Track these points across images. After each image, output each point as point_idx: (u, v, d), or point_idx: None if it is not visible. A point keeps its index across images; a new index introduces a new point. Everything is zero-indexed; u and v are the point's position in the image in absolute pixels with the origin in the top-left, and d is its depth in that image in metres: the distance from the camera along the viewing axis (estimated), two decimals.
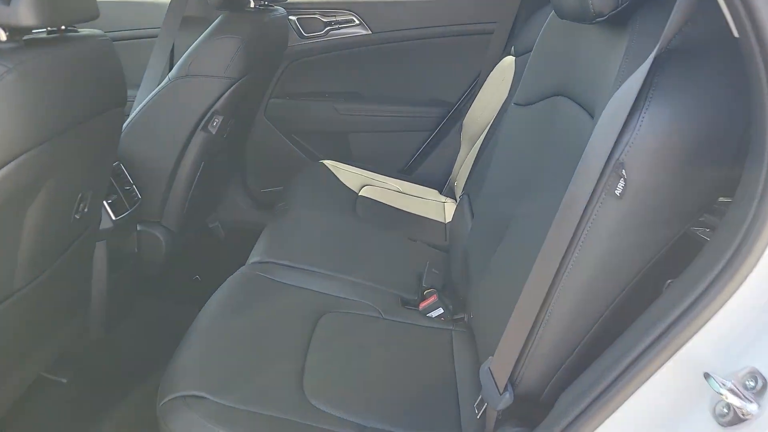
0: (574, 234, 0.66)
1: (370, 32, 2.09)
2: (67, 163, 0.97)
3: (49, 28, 0.91)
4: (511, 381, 0.79)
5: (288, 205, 1.67)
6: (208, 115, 1.55)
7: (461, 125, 2.10)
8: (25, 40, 0.86)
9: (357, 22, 2.09)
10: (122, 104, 1.11)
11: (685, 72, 0.64)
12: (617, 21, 0.77)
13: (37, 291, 1.06)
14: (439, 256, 1.57)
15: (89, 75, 0.95)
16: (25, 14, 0.81)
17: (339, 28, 2.10)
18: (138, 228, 1.61)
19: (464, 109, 2.14)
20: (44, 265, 1.08)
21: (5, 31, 0.83)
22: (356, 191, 1.87)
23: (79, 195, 1.10)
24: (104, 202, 1.38)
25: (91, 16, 0.94)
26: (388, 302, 1.30)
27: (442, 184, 2.15)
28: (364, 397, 1.02)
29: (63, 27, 0.95)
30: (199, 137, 1.57)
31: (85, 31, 1.00)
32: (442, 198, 2.02)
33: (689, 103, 0.62)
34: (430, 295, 1.32)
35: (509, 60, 1.88)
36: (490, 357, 0.86)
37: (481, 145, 1.76)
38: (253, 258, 1.37)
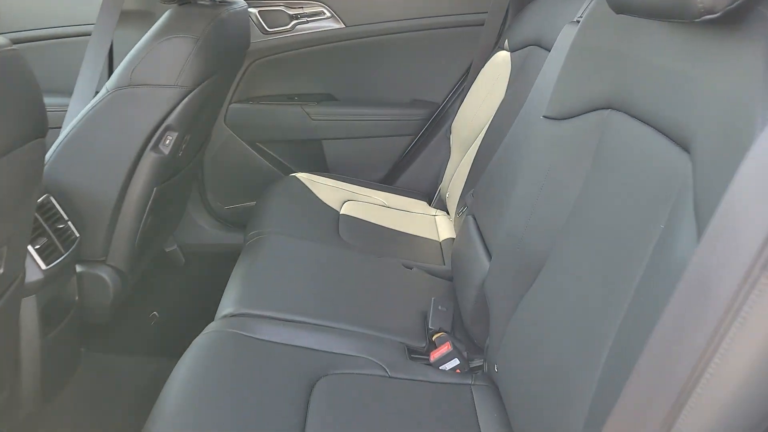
0: (718, 328, 0.45)
1: (343, 26, 1.84)
2: None
3: None
4: None
5: (260, 233, 1.42)
6: (159, 131, 1.28)
7: (449, 128, 1.89)
8: None
9: (328, 14, 1.84)
10: (42, 134, 0.84)
11: None
12: (727, 20, 0.56)
13: None
14: (442, 287, 1.35)
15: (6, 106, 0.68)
16: None
17: (307, 22, 1.85)
18: (78, 270, 1.33)
19: (451, 111, 1.92)
20: None
21: None
22: (337, 208, 1.63)
23: None
24: (31, 249, 1.10)
25: None
26: (393, 355, 1.07)
27: (429, 195, 1.93)
28: None
29: None
30: (149, 159, 1.29)
31: None
32: (432, 210, 1.81)
33: None
34: (442, 342, 1.11)
35: (503, 55, 1.67)
36: None
37: (479, 152, 1.55)
38: (225, 309, 1.12)
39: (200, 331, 1.09)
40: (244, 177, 2.00)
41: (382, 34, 1.86)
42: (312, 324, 1.10)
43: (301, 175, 1.78)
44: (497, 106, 1.56)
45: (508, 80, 1.58)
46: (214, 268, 2.02)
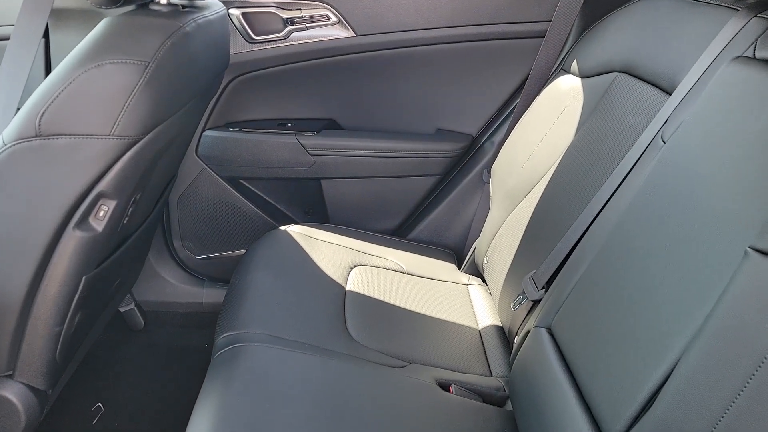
0: None
1: (353, 34, 1.41)
2: None
3: None
4: None
5: (236, 338, 1.00)
6: (88, 201, 0.86)
7: (488, 169, 1.48)
8: None
9: (334, 20, 1.40)
10: None
11: None
12: None
13: None
14: (496, 423, 0.96)
15: None
16: None
17: (306, 29, 1.41)
18: None
19: (489, 147, 1.51)
20: None
21: None
22: (343, 283, 1.23)
23: None
24: None
25: None
26: None
27: (457, 252, 1.53)
28: None
29: None
30: (72, 240, 0.87)
31: None
32: (464, 278, 1.40)
33: None
34: None
35: (570, 82, 1.26)
36: None
37: (538, 213, 1.15)
38: None
39: None
40: (222, 221, 1.58)
41: (403, 47, 1.44)
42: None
43: (294, 229, 1.37)
44: (563, 149, 1.16)
45: (579, 116, 1.17)
46: (182, 334, 1.61)
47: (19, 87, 1.07)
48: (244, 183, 1.56)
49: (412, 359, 1.08)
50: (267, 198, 1.58)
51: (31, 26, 1.08)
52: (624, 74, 1.09)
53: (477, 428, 0.95)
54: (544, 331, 0.93)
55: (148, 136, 0.86)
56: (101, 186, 0.86)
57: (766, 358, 0.48)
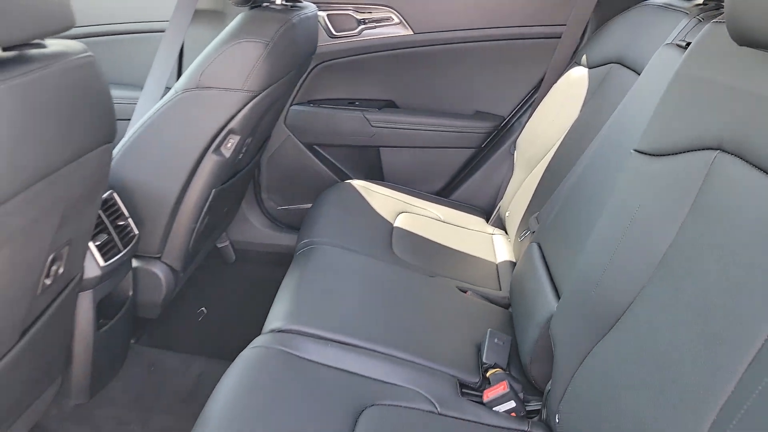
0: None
1: (411, 32, 1.79)
2: (28, 226, 0.69)
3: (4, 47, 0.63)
4: None
5: (312, 242, 1.39)
6: (222, 134, 1.27)
7: (514, 144, 1.81)
8: None
9: (396, 20, 1.79)
10: (110, 140, 0.83)
11: None
12: None
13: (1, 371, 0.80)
14: (498, 317, 1.29)
15: (64, 110, 0.67)
16: None
17: (375, 27, 1.81)
18: (134, 265, 1.34)
19: (517, 125, 1.85)
20: (8, 343, 0.82)
21: None
22: (391, 220, 1.59)
23: (50, 257, 0.83)
24: (92, 245, 1.11)
25: (64, 27, 0.65)
26: (444, 389, 1.02)
27: (487, 211, 1.86)
28: None
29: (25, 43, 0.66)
30: (210, 161, 1.29)
31: (57, 45, 0.71)
32: (489, 229, 1.74)
33: None
34: (497, 381, 1.05)
35: (579, 72, 1.58)
36: None
37: (546, 173, 1.47)
38: (273, 323, 1.09)
39: (246, 337, 1.07)
40: (300, 179, 1.98)
41: (450, 43, 1.80)
42: (360, 347, 1.06)
43: (357, 183, 1.75)
44: (570, 125, 1.48)
45: (584, 98, 1.49)
46: (263, 268, 2.02)
47: (169, 66, 1.52)
48: (319, 149, 1.96)
49: (440, 274, 1.43)
50: (336, 162, 1.98)
51: (180, 22, 1.53)
52: (617, 64, 1.41)
53: (483, 319, 1.28)
54: (535, 245, 1.26)
55: (264, 92, 1.26)
56: (231, 125, 1.27)
57: None
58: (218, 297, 1.86)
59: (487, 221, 1.80)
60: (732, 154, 0.69)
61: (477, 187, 1.89)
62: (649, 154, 0.82)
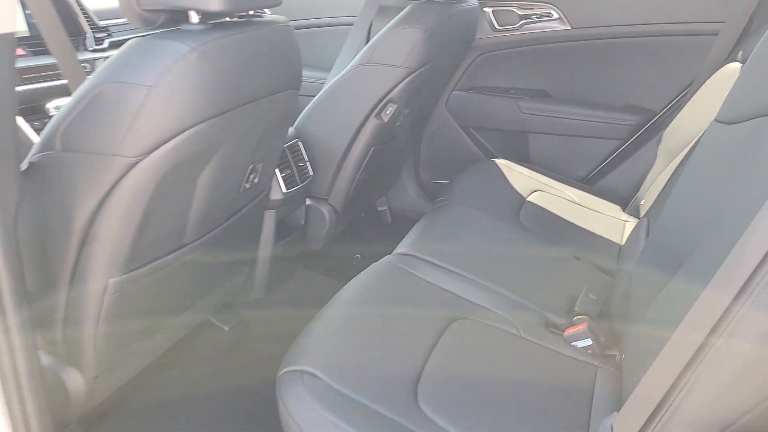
0: (745, 286, 0.52)
1: (569, 27, 1.93)
2: (239, 136, 1.05)
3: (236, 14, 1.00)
4: None
5: (448, 200, 1.64)
6: (383, 103, 1.58)
7: (661, 137, 1.84)
8: (212, 23, 0.95)
9: (556, 16, 1.94)
10: (296, 87, 1.17)
11: None
12: None
13: (205, 247, 1.19)
14: (602, 281, 1.40)
15: (266, 58, 1.02)
16: (216, 0, 0.88)
17: (535, 22, 1.98)
18: (306, 203, 1.72)
19: (667, 120, 1.87)
20: (213, 225, 1.20)
21: (198, 15, 0.92)
22: (524, 195, 1.76)
23: (250, 167, 1.20)
24: (278, 175, 1.50)
25: (275, 3, 1.00)
26: (530, 320, 1.19)
27: (626, 201, 1.91)
28: (479, 417, 0.95)
29: (251, 12, 1.03)
30: (372, 123, 1.61)
31: (269, 17, 1.08)
32: (624, 216, 1.80)
33: None
34: (580, 322, 1.18)
35: (733, 67, 1.58)
36: (615, 412, 0.73)
37: (680, 162, 1.52)
38: (400, 249, 1.37)
39: None
40: (453, 157, 2.23)
41: (606, 38, 1.90)
42: (464, 276, 1.28)
43: (501, 161, 1.94)
44: (712, 117, 1.50)
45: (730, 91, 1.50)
46: None
47: (354, 52, 1.87)
48: (473, 131, 2.19)
49: (558, 243, 1.55)
50: (486, 143, 2.19)
51: (366, 16, 1.89)
52: None
53: (586, 281, 1.39)
54: (645, 219, 1.34)
55: (419, 69, 1.54)
56: (391, 95, 1.57)
57: None
58: (373, 248, 2.20)
59: (624, 210, 1.86)
60: None
61: (620, 177, 1.95)
62: (724, 122, 0.91)
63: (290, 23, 1.13)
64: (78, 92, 0.86)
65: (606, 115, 1.95)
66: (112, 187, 0.89)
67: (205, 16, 0.93)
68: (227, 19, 1.01)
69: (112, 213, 0.91)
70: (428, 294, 1.22)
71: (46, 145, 0.89)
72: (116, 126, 0.84)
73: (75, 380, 1.07)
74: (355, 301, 1.16)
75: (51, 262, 0.94)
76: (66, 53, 1.22)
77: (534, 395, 1.02)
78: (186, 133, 0.90)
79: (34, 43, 1.48)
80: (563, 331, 1.19)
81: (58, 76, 1.44)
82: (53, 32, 1.19)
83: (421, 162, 2.29)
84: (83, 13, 1.66)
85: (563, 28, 1.94)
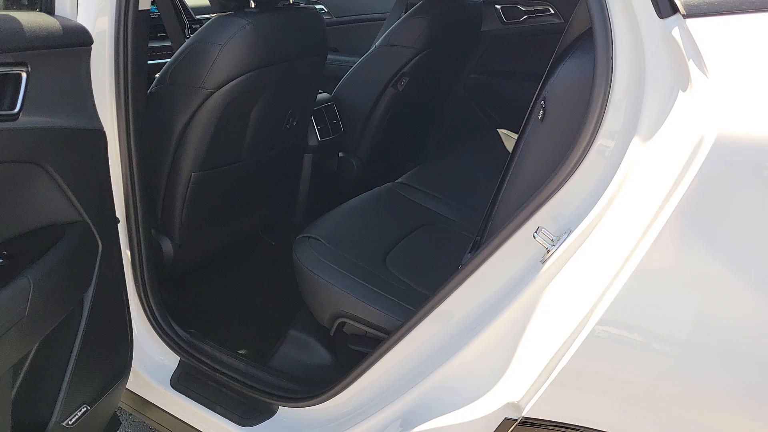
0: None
1: (562, 21, 2.32)
2: (278, 85, 1.57)
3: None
4: None
5: (452, 152, 2.09)
6: (398, 76, 2.06)
7: None
8: (264, 8, 1.48)
9: (552, 12, 2.34)
10: (322, 55, 1.67)
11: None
12: None
13: (256, 165, 1.70)
14: None
15: (298, 31, 1.53)
16: None
17: (536, 17, 2.38)
18: (339, 155, 2.22)
19: None
20: (263, 150, 1.72)
21: (254, 2, 1.44)
22: None
23: (289, 111, 1.71)
24: (315, 126, 2.00)
25: None
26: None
27: None
28: (427, 275, 1.40)
29: (291, 1, 1.54)
30: (389, 92, 2.08)
31: (303, 4, 1.59)
32: None
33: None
34: None
35: None
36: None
37: None
38: (401, 179, 1.84)
39: None
40: (469, 129, 2.66)
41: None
42: (443, 200, 1.73)
43: (502, 131, 2.36)
44: None
45: None
46: None
47: None
48: (487, 109, 2.61)
49: None
50: (498, 119, 2.60)
51: (396, 12, 2.37)
52: None
53: None
54: None
55: (427, 50, 2.01)
56: (405, 69, 2.04)
57: None
58: None
59: None
60: None
61: None
62: None
63: (331, 18, 1.64)
64: (181, 48, 1.41)
65: None
66: (197, 109, 1.42)
67: (259, 3, 1.45)
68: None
69: (196, 126, 1.44)
70: (410, 208, 1.68)
71: (159, 81, 1.44)
72: (201, 68, 1.37)
73: (167, 245, 1.59)
74: (354, 207, 1.65)
75: (157, 159, 1.49)
76: (177, 38, 1.79)
77: None
78: (242, 77, 1.42)
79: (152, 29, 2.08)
80: None
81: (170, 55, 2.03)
82: (171, 23, 1.77)
83: (443, 131, 2.74)
84: (184, 10, 2.25)
85: (558, 21, 2.33)
